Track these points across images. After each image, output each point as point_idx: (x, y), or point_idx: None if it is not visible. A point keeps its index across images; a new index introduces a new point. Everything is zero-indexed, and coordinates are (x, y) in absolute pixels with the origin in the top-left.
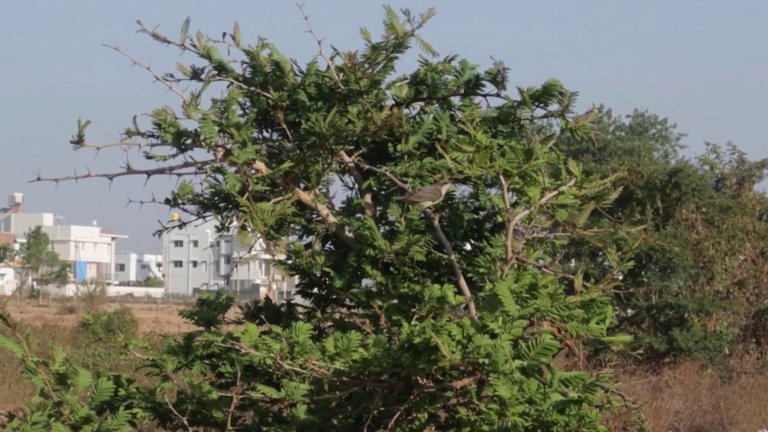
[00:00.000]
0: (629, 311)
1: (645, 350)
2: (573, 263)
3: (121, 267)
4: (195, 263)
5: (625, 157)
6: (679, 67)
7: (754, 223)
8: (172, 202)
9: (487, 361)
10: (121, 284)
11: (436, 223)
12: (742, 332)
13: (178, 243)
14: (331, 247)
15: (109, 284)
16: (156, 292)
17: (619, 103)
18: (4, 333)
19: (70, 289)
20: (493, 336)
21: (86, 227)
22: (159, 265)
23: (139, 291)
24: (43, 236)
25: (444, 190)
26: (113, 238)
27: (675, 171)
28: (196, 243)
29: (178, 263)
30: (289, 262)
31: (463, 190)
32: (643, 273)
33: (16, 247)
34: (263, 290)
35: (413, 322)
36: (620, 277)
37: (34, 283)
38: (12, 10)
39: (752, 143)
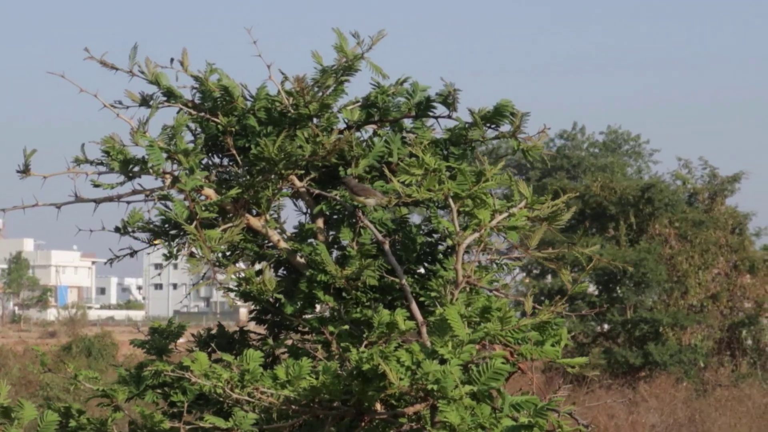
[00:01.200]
0: (605, 326)
1: (621, 365)
2: (549, 279)
3: (102, 290)
4: (175, 285)
5: (599, 173)
6: (652, 83)
7: (726, 236)
8: (122, 230)
9: (436, 387)
10: (102, 308)
11: (386, 247)
12: (716, 345)
13: (158, 266)
14: (284, 272)
15: (90, 308)
16: (137, 314)
17: (593, 119)
18: None
19: (51, 314)
20: (443, 361)
21: (67, 251)
22: (139, 288)
23: (120, 314)
24: (23, 261)
25: (385, 201)
26: (93, 262)
27: (648, 186)
28: (176, 266)
29: (159, 286)
30: (239, 288)
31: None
32: (617, 288)
33: None
34: (244, 312)
35: (361, 349)
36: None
37: (16, 308)
38: None
39: (723, 158)
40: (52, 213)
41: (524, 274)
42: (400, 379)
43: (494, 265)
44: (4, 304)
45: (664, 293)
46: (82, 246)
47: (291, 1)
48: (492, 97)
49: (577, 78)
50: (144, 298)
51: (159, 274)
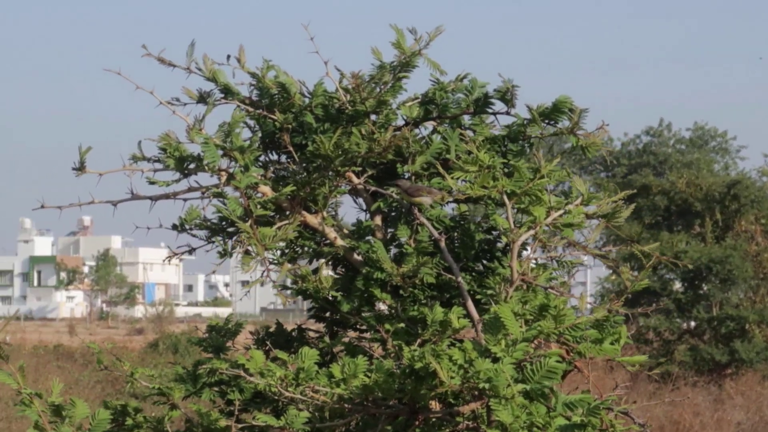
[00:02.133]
0: (692, 323)
1: (707, 362)
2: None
3: (189, 288)
4: (262, 283)
5: (684, 170)
6: (738, 78)
7: None
8: (180, 227)
9: (487, 385)
10: (189, 305)
11: (442, 244)
12: None
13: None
14: (342, 270)
15: (177, 305)
16: (224, 311)
17: (680, 116)
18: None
19: (138, 311)
20: (495, 360)
21: (154, 248)
22: (227, 285)
23: (207, 311)
24: (111, 258)
25: (439, 198)
26: (181, 260)
27: (733, 183)
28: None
29: (246, 283)
30: (295, 286)
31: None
32: (703, 285)
33: (86, 269)
34: None
35: (413, 347)
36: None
37: (104, 305)
38: (11, 32)
39: None
40: (139, 210)
41: (610, 272)
42: (452, 377)
43: (554, 263)
44: (92, 302)
45: (750, 290)
46: (169, 243)
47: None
48: (574, 94)
49: (664, 72)
50: (231, 295)
51: (244, 273)
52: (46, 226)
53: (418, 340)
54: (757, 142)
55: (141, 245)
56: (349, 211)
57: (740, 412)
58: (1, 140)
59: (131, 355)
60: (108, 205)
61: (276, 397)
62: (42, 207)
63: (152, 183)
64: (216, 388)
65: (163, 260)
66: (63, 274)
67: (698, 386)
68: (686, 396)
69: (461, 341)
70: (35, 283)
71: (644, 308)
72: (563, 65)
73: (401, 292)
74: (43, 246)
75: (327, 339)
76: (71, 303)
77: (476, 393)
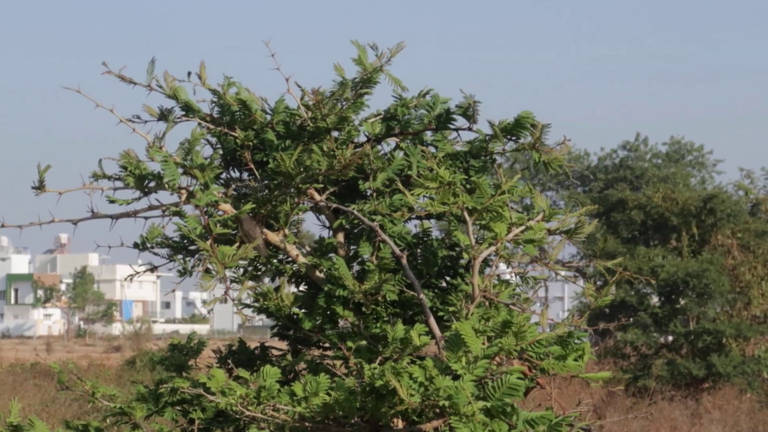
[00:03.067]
0: (669, 338)
1: (684, 376)
2: (614, 291)
3: (167, 305)
4: (224, 301)
5: (660, 184)
6: (714, 93)
7: None
8: (141, 246)
9: (447, 403)
10: (167, 322)
11: (403, 261)
12: None
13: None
14: (305, 287)
15: (154, 322)
16: (201, 329)
17: (656, 130)
18: None
19: (116, 328)
20: (456, 377)
21: (131, 266)
22: (204, 302)
23: (184, 328)
24: (88, 276)
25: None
26: (158, 277)
27: (710, 197)
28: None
29: (223, 300)
30: (257, 304)
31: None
32: (680, 299)
33: (63, 287)
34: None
35: (373, 365)
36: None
37: (81, 323)
38: None
39: None
40: (116, 227)
41: (589, 284)
42: (411, 395)
43: (517, 279)
44: (69, 319)
45: (727, 304)
46: (147, 260)
47: (309, 14)
48: (545, 109)
49: (637, 87)
50: (209, 312)
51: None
52: (23, 244)
53: (379, 358)
54: (734, 156)
55: (118, 262)
56: (312, 227)
57: (718, 427)
58: None
59: (108, 372)
60: (84, 223)
61: (238, 416)
62: (2, 226)
63: (112, 201)
64: (178, 407)
65: (124, 279)
66: (40, 292)
67: (675, 400)
68: (662, 410)
69: (423, 358)
70: (12, 300)
71: (617, 322)
72: (532, 79)
73: (363, 309)
74: (20, 264)
75: (290, 357)
76: (49, 321)
77: (438, 411)
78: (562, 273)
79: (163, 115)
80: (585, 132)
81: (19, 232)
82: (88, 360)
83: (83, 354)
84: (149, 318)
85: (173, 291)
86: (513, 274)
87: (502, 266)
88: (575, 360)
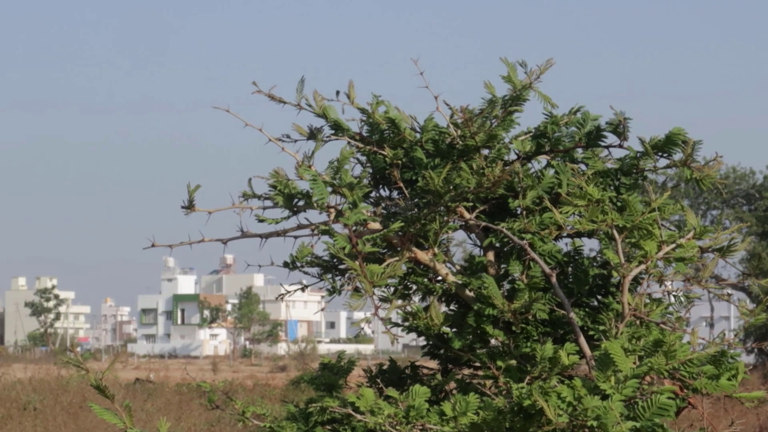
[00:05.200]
0: None
1: None
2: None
3: (332, 325)
4: (370, 321)
5: None
6: None
7: None
8: (291, 265)
9: (596, 423)
10: (331, 341)
11: (553, 279)
12: None
13: (384, 299)
14: (456, 306)
15: (319, 342)
16: (366, 348)
17: None
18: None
19: (281, 348)
20: (605, 397)
21: (296, 286)
22: (369, 322)
23: (350, 348)
24: (254, 296)
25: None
26: (323, 297)
27: None
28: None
29: (389, 320)
30: (406, 324)
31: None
32: None
33: (228, 307)
34: None
35: (521, 384)
36: None
37: (247, 343)
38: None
39: None
40: (280, 247)
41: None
42: (559, 415)
43: (670, 297)
44: (235, 339)
45: None
46: (311, 281)
47: (458, 33)
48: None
49: None
50: (373, 332)
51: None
52: (189, 265)
53: (528, 377)
54: None
55: (283, 283)
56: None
57: None
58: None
59: (273, 392)
60: (250, 244)
61: None
62: (153, 246)
63: (261, 221)
64: (328, 427)
65: (276, 298)
66: (206, 312)
67: None
68: None
69: (572, 378)
70: (179, 321)
71: (758, 343)
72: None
73: (513, 328)
74: (186, 284)
75: (439, 376)
76: (215, 341)
77: (585, 431)
78: (715, 291)
79: (313, 134)
80: (751, 148)
81: (189, 249)
82: (254, 380)
83: (249, 374)
84: (314, 338)
85: (322, 310)
86: (665, 293)
87: (655, 285)
88: (728, 379)
